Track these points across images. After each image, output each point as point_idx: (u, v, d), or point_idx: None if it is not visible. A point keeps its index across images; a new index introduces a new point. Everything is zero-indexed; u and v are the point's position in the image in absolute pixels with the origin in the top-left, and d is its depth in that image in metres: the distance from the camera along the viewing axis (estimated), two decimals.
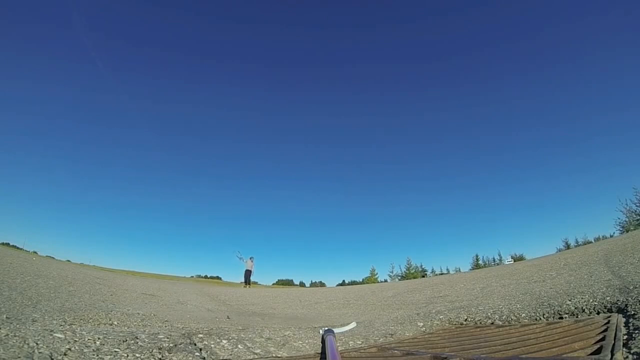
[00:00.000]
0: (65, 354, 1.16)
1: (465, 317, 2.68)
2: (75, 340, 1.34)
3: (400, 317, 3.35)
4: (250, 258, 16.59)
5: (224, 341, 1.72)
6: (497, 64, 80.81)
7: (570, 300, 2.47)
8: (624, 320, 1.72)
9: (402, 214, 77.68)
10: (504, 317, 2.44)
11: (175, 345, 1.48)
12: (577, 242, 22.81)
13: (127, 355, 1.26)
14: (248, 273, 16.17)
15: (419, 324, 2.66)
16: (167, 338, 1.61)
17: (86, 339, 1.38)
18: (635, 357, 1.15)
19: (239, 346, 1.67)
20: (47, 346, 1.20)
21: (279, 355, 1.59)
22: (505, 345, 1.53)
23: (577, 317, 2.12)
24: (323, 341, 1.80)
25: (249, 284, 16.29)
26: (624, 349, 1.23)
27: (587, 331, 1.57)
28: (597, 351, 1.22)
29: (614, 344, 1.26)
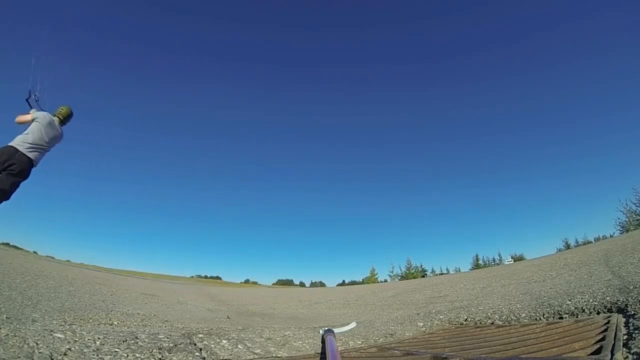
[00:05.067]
0: (65, 354, 1.16)
1: (465, 317, 2.68)
2: (75, 340, 1.34)
3: (400, 317, 3.35)
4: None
5: (224, 341, 1.72)
6: (497, 64, 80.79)
7: (570, 300, 2.46)
8: (624, 320, 1.72)
9: (402, 214, 77.72)
10: (504, 317, 2.44)
11: (175, 345, 1.48)
12: (577, 242, 22.80)
13: (127, 355, 1.26)
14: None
15: (419, 324, 2.66)
16: (167, 338, 1.61)
17: (86, 339, 1.38)
18: (635, 357, 1.15)
19: (239, 346, 1.67)
20: (47, 346, 1.20)
21: (279, 355, 1.59)
22: (505, 345, 1.53)
23: (577, 317, 2.12)
24: (323, 341, 1.80)
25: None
26: (624, 349, 1.23)
27: (587, 331, 1.57)
28: (597, 351, 1.22)
29: (614, 344, 1.26)
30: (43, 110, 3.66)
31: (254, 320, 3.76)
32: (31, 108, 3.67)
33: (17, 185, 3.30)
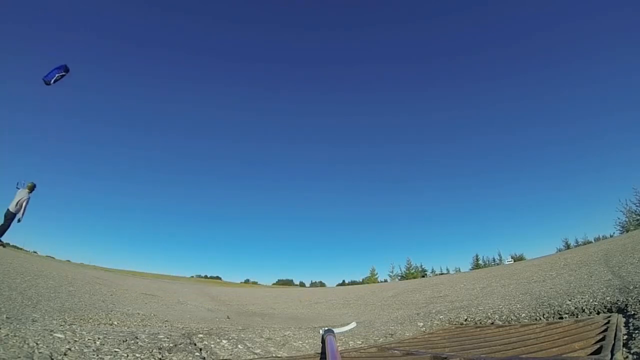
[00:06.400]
0: (65, 354, 1.16)
1: (465, 317, 2.68)
2: (75, 340, 1.34)
3: (400, 317, 3.35)
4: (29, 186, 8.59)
5: (224, 341, 1.72)
6: (497, 64, 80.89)
7: (570, 300, 2.47)
8: (624, 320, 1.72)
9: (402, 214, 77.74)
10: (504, 317, 2.44)
11: (175, 345, 1.48)
12: (577, 242, 22.80)
13: (127, 355, 1.26)
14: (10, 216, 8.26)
15: (419, 324, 2.66)
16: (167, 338, 1.61)
17: (86, 339, 1.38)
18: (635, 357, 1.15)
19: (239, 346, 1.67)
20: (47, 346, 1.20)
21: (279, 355, 1.59)
22: (505, 345, 1.53)
23: (577, 317, 2.12)
24: (323, 341, 1.80)
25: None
26: (624, 349, 1.23)
27: (587, 331, 1.57)
28: (597, 351, 1.22)
29: (614, 344, 1.26)
30: (18, 189, 8.37)
31: (254, 320, 3.76)
32: (17, 190, 8.33)
33: (10, 223, 8.01)
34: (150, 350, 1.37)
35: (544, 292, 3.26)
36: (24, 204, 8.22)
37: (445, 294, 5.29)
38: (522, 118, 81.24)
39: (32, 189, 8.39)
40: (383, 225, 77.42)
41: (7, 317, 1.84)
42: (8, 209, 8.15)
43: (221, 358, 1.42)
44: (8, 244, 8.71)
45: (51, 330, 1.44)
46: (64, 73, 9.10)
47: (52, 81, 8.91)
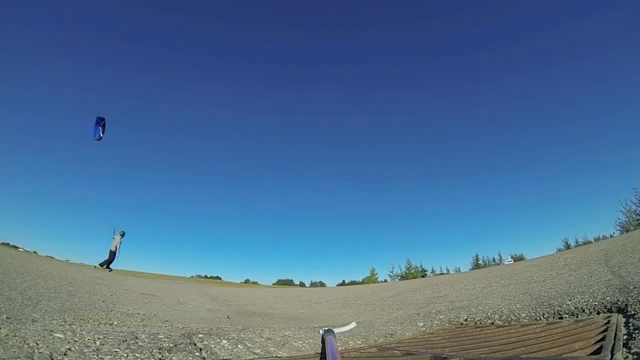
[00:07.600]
0: (65, 354, 1.16)
1: (465, 317, 2.68)
2: (75, 340, 1.34)
3: (400, 317, 3.35)
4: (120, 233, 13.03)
5: (224, 341, 1.72)
6: (497, 64, 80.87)
7: (570, 300, 2.47)
8: (624, 320, 1.72)
9: (402, 214, 77.71)
10: (504, 317, 2.44)
11: (175, 345, 1.48)
12: (577, 242, 22.77)
13: (127, 355, 1.26)
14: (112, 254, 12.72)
15: (419, 324, 2.66)
16: (167, 338, 1.61)
17: (86, 339, 1.38)
18: (635, 357, 1.15)
19: (239, 346, 1.67)
20: (47, 346, 1.20)
21: (279, 355, 1.59)
22: (505, 345, 1.53)
23: (577, 317, 2.12)
24: (323, 341, 1.80)
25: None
26: (624, 349, 1.23)
27: (587, 331, 1.57)
28: (597, 351, 1.23)
29: (614, 344, 1.26)
30: (115, 233, 12.76)
31: (254, 320, 3.76)
32: (114, 235, 12.74)
33: (113, 257, 12.53)
34: (150, 350, 1.37)
35: (544, 292, 3.26)
36: (118, 245, 12.66)
37: (445, 294, 5.29)
38: (522, 118, 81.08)
39: (123, 235, 12.84)
40: (383, 225, 77.39)
41: (7, 317, 1.84)
42: (110, 249, 12.51)
43: (221, 358, 1.42)
44: (110, 269, 12.28)
45: (51, 330, 1.44)
46: (103, 123, 10.52)
47: (102, 134, 11.01)
